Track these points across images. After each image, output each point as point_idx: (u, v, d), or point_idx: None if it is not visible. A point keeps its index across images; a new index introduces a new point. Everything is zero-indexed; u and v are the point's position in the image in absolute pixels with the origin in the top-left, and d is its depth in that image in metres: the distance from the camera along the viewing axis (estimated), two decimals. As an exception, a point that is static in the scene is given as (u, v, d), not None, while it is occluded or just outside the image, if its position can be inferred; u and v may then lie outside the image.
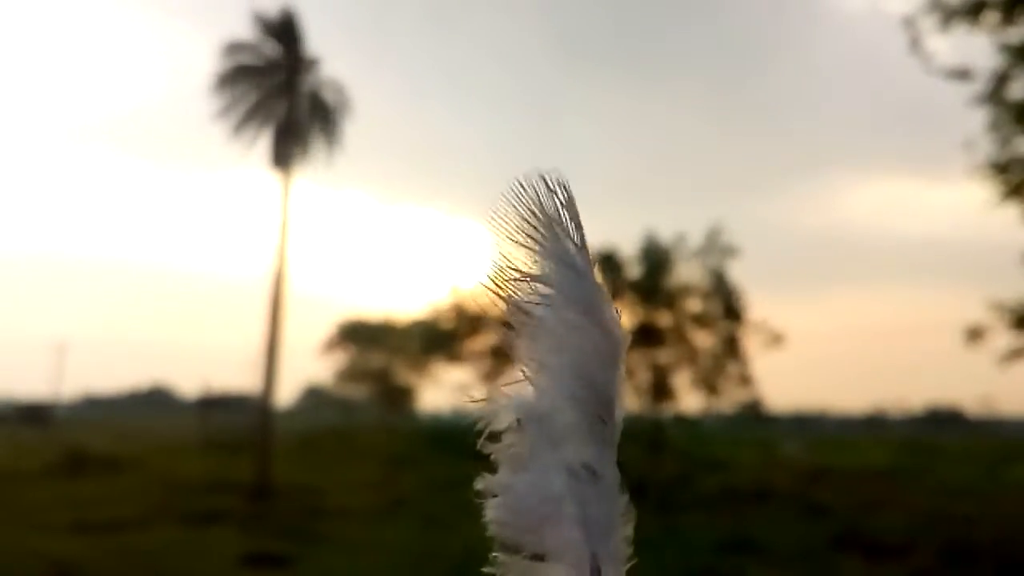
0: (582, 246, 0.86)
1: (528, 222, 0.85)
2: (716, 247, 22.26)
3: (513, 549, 0.78)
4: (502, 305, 0.84)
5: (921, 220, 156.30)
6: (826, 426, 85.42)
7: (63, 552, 13.10)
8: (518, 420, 0.79)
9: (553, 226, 0.85)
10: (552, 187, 0.87)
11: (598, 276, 0.85)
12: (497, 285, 0.85)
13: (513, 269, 0.84)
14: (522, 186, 0.86)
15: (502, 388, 0.83)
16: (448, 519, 15.64)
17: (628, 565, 0.78)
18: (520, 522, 0.77)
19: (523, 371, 0.81)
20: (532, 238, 0.85)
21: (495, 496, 0.78)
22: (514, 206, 0.85)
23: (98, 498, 20.07)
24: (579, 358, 0.80)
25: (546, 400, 0.80)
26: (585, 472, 0.77)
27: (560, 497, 0.76)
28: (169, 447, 35.64)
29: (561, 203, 0.86)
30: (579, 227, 0.88)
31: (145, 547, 14.11)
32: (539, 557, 0.78)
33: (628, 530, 0.79)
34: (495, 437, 0.80)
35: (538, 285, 0.84)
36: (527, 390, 0.81)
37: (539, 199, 0.86)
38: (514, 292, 0.84)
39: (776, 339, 22.35)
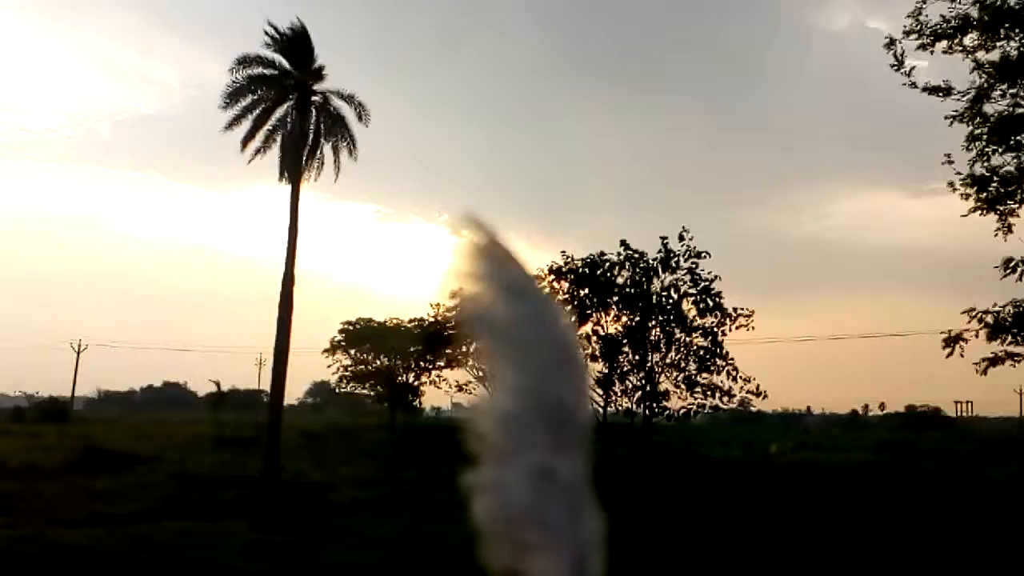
0: (527, 271, 1.00)
1: (477, 254, 0.97)
2: (686, 251, 22.90)
3: (500, 540, 0.88)
4: (465, 326, 0.97)
5: (904, 230, 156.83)
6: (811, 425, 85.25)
7: (81, 543, 13.42)
8: (493, 424, 0.92)
9: (499, 255, 0.98)
10: (483, 223, 1.00)
11: (546, 294, 1.01)
12: (459, 308, 0.97)
13: (470, 297, 0.97)
14: (459, 224, 0.99)
15: (481, 394, 0.97)
16: (448, 513, 15.60)
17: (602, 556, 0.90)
18: (503, 516, 0.89)
19: (492, 381, 0.95)
20: (483, 268, 0.97)
21: (480, 492, 0.89)
22: (460, 241, 0.98)
23: (114, 491, 20.45)
24: (537, 371, 0.93)
25: (512, 408, 0.92)
26: (546, 474, 0.89)
27: (530, 495, 0.88)
28: (181, 442, 35.72)
29: (496, 235, 0.99)
30: (518, 255, 1.00)
31: (159, 538, 14.32)
32: (523, 547, 0.88)
33: (597, 524, 0.90)
34: (479, 438, 0.91)
35: (495, 308, 0.96)
36: (498, 397, 0.93)
37: (478, 234, 0.99)
38: (475, 316, 0.96)
39: (749, 320, 22.85)
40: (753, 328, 23.22)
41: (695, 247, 22.84)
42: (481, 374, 1.01)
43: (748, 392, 23.31)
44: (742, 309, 23.15)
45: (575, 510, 0.90)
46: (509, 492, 0.90)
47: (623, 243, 23.35)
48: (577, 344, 0.98)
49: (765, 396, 23.75)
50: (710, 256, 22.95)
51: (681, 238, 22.92)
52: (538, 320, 0.96)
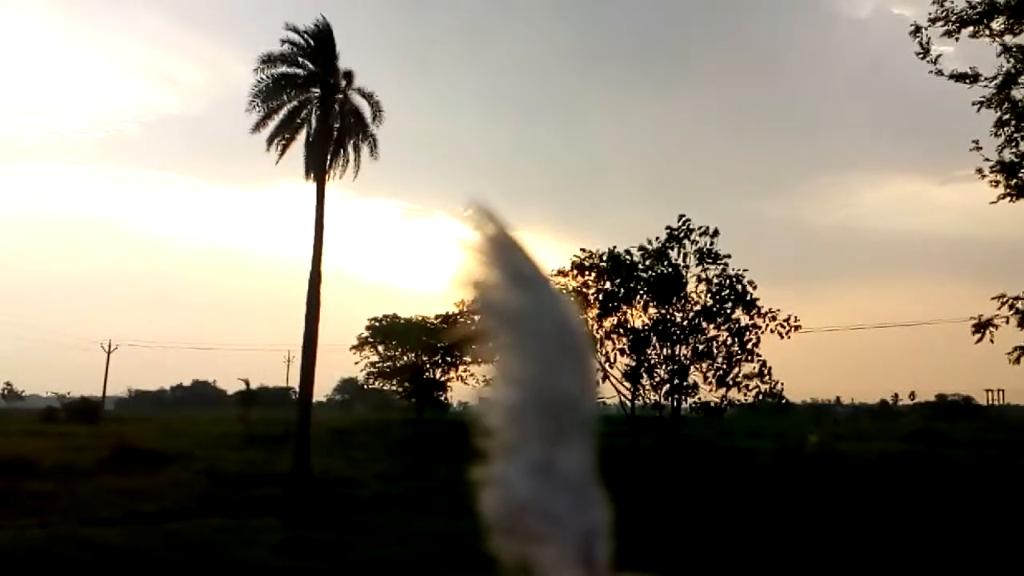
0: (535, 263, 1.00)
1: (486, 245, 0.98)
2: (690, 233, 22.70)
3: (507, 532, 0.91)
4: (474, 319, 0.99)
5: (931, 218, 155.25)
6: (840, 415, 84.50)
7: (115, 541, 13.55)
8: (498, 418, 0.93)
9: (507, 246, 0.98)
10: (494, 214, 1.00)
11: (555, 287, 1.01)
12: (468, 301, 0.98)
13: (479, 288, 0.97)
14: (469, 215, 0.99)
15: (487, 389, 0.97)
16: (477, 508, 15.71)
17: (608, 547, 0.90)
18: (507, 509, 0.91)
19: (499, 376, 0.95)
20: (492, 259, 0.97)
21: (486, 486, 0.92)
22: (471, 232, 0.99)
23: (146, 490, 20.62)
24: (539, 361, 0.93)
25: (514, 400, 0.93)
26: (547, 466, 0.90)
27: (531, 488, 0.90)
28: (212, 440, 36.08)
29: (506, 227, 1.00)
30: (526, 246, 1.00)
31: (192, 535, 14.50)
32: (530, 538, 0.90)
33: (603, 512, 0.91)
34: (487, 432, 0.94)
35: (502, 299, 0.96)
36: (504, 392, 0.94)
37: (488, 225, 0.99)
38: (482, 307, 0.97)
39: (791, 323, 22.40)
40: (789, 337, 22.75)
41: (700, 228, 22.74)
42: (495, 368, 1.02)
43: (769, 392, 22.98)
44: (787, 316, 22.70)
45: (578, 501, 0.90)
46: (511, 486, 0.91)
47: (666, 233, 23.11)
48: (584, 336, 0.97)
49: (783, 398, 23.50)
50: (719, 234, 22.79)
51: (687, 224, 22.77)
52: (542, 310, 0.96)
